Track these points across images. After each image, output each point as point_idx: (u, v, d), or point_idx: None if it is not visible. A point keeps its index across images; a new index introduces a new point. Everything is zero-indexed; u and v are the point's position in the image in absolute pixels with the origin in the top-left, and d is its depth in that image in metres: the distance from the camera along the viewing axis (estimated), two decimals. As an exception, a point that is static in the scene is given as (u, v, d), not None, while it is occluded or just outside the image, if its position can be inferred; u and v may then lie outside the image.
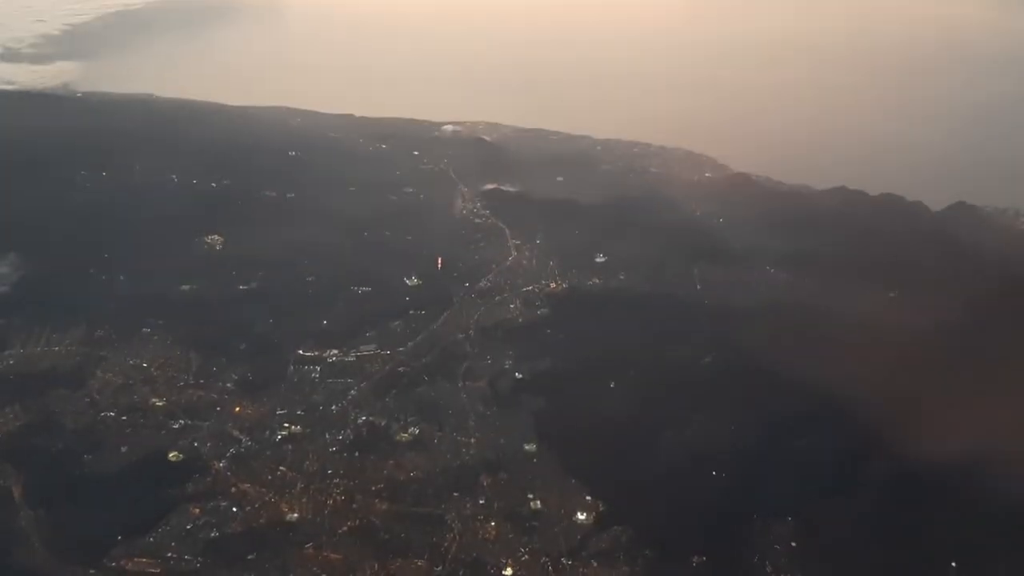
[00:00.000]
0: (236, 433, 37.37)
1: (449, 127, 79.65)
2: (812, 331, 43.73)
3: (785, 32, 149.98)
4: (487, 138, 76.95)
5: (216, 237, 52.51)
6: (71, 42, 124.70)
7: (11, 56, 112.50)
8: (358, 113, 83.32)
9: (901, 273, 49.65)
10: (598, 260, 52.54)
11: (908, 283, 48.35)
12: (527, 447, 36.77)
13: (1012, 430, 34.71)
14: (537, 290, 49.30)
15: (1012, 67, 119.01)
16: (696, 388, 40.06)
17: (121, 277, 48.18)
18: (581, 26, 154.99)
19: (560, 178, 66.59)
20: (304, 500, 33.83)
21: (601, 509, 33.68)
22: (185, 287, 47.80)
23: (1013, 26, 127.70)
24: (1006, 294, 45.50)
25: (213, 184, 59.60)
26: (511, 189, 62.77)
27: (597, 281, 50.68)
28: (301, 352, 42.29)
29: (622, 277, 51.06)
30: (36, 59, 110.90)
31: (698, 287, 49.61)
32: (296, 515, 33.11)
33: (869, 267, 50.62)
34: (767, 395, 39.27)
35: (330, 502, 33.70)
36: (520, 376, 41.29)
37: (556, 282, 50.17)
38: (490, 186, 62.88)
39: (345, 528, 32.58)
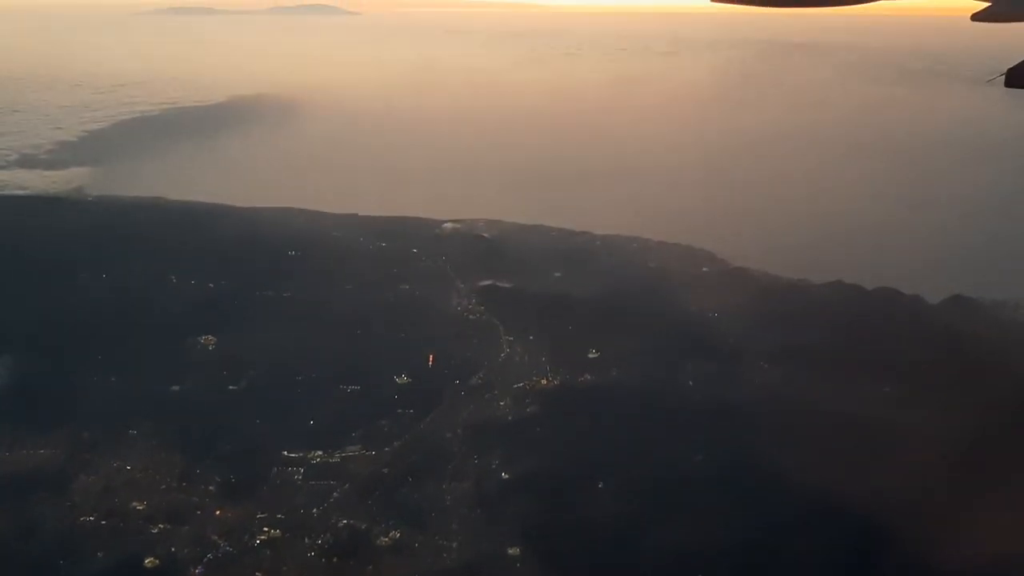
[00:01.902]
0: (215, 538, 36.58)
1: (449, 224, 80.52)
2: (805, 429, 42.85)
3: (787, 124, 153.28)
4: (486, 235, 77.72)
5: (209, 337, 52.69)
6: (87, 148, 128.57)
7: (27, 162, 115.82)
8: (362, 212, 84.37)
9: (896, 369, 48.91)
10: (591, 356, 52.15)
11: (903, 379, 47.63)
12: (511, 551, 35.60)
13: (1016, 537, 33.68)
14: (528, 387, 48.83)
15: (1011, 158, 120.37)
16: (687, 488, 39.01)
17: (112, 378, 48.18)
18: (585, 123, 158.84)
19: (558, 274, 66.90)
20: (280, 608, 32.95)
21: (587, 615, 32.64)
22: (175, 388, 47.69)
23: (1014, 118, 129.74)
24: (1007, 392, 45.00)
25: (211, 284, 60.20)
26: (507, 285, 62.94)
27: (589, 377, 50.17)
28: (285, 453, 41.70)
29: (614, 373, 50.57)
30: (51, 165, 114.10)
31: (690, 383, 48.96)
32: (272, 623, 32.21)
33: (863, 363, 49.83)
34: (760, 495, 38.25)
35: (307, 610, 32.84)
36: (507, 477, 40.35)
37: (547, 379, 49.71)
38: (486, 282, 63.14)
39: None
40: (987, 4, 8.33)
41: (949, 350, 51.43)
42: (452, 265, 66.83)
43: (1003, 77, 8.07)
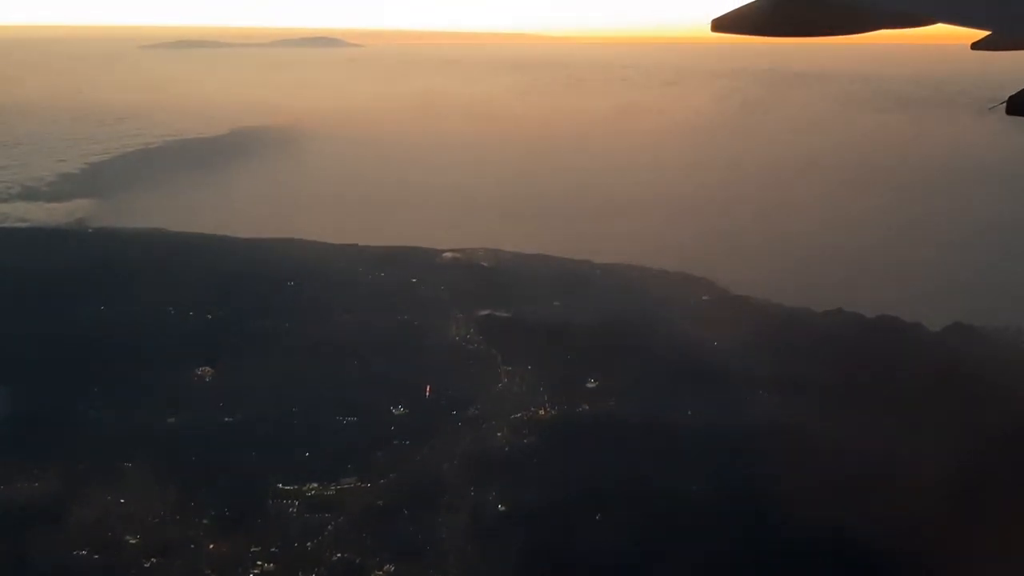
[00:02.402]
0: (208, 571, 36.08)
1: (449, 254, 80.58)
2: (806, 458, 42.37)
3: (788, 152, 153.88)
4: (485, 264, 77.73)
5: (206, 369, 52.49)
6: (89, 180, 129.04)
7: (29, 195, 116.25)
8: (363, 242, 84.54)
9: (897, 398, 48.52)
10: (589, 385, 51.85)
11: (903, 407, 47.22)
12: (508, 584, 35.33)
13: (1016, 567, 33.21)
14: (526, 417, 48.46)
15: (1013, 185, 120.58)
16: (686, 519, 38.64)
17: (108, 410, 47.91)
18: (586, 152, 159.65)
19: (557, 303, 66.76)
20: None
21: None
22: (171, 420, 47.41)
23: (1015, 145, 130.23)
24: (1008, 420, 44.60)
25: (209, 316, 60.12)
26: (505, 315, 62.78)
27: (587, 407, 49.80)
28: (280, 486, 41.28)
29: (613, 403, 50.24)
30: (53, 197, 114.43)
31: (689, 412, 48.58)
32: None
33: (864, 392, 49.51)
34: (760, 525, 37.87)
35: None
36: (503, 509, 39.92)
37: (545, 409, 49.38)
38: (484, 312, 63.01)
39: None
40: (987, 33, 8.28)
41: (950, 378, 50.99)
42: (451, 295, 66.74)
43: (1004, 105, 7.98)
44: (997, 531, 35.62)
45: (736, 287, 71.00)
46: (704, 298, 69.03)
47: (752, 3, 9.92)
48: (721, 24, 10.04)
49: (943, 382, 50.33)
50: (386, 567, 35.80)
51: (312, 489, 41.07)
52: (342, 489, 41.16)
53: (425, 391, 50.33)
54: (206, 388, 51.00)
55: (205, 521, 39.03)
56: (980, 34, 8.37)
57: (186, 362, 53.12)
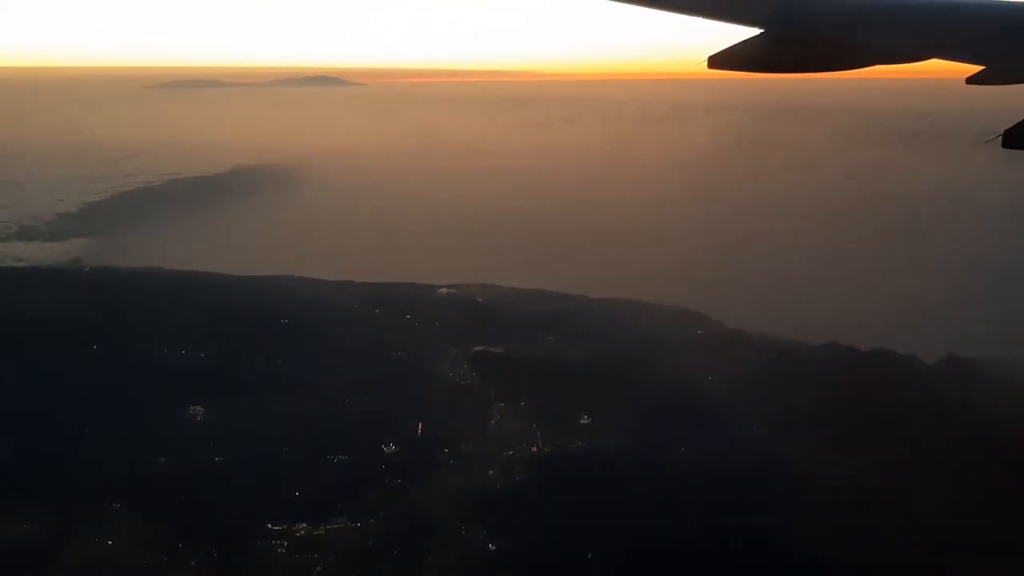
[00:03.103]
0: (196, 615, 35.95)
1: (444, 290, 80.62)
2: (799, 495, 42.14)
3: (783, 186, 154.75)
4: (480, 300, 77.72)
5: (197, 408, 52.20)
6: (87, 219, 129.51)
7: (26, 234, 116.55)
8: (358, 278, 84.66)
9: (891, 433, 48.19)
10: (582, 422, 51.59)
11: (898, 443, 46.87)
12: (497, 625, 34.86)
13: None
14: (518, 455, 48.09)
15: (1008, 217, 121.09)
16: (679, 558, 38.21)
17: (98, 450, 47.61)
18: (582, 187, 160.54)
19: (551, 338, 66.63)
20: None
21: None
22: (161, 459, 47.09)
23: (1010, 178, 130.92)
24: (1004, 455, 44.33)
25: (201, 355, 59.94)
26: (499, 351, 62.64)
27: (580, 444, 49.46)
28: (270, 526, 40.86)
29: (606, 439, 49.84)
30: (50, 236, 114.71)
31: (683, 449, 48.26)
32: None
33: (858, 427, 49.04)
34: (753, 564, 37.47)
35: None
36: (493, 548, 39.46)
37: (537, 446, 49.03)
38: (478, 348, 62.86)
39: None
40: (981, 68, 8.37)
41: (944, 413, 50.78)
42: (445, 331, 66.70)
43: (1000, 138, 8.04)
44: (993, 566, 35.30)
45: (731, 320, 71.00)
46: (699, 332, 68.97)
47: (747, 40, 10.06)
48: (717, 61, 10.16)
49: (938, 417, 50.02)
50: (374, 608, 35.38)
51: (302, 529, 40.70)
52: (332, 529, 40.77)
53: (417, 429, 50.09)
54: (198, 427, 50.74)
55: (193, 563, 38.58)
56: (975, 69, 8.45)
57: (177, 401, 52.87)
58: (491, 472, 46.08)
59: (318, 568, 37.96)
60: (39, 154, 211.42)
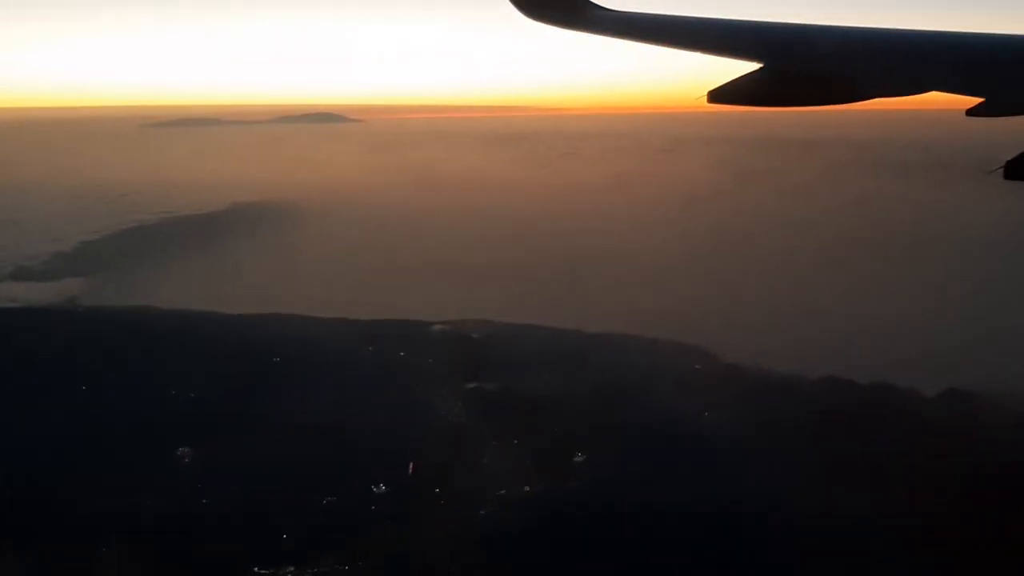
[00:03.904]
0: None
1: (439, 326, 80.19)
2: (798, 532, 41.44)
3: (780, 218, 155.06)
4: (476, 336, 77.22)
5: (186, 449, 51.50)
6: (83, 258, 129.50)
7: (21, 274, 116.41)
8: (353, 316, 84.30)
9: (890, 469, 47.49)
10: (576, 460, 50.91)
11: (897, 479, 46.09)
12: (489, 674, 33.92)
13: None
14: (511, 494, 47.22)
15: (1008, 249, 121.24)
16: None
17: (85, 491, 46.76)
18: (580, 220, 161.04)
19: (546, 374, 65.99)
20: None
21: None
22: (149, 502, 46.33)
23: (1012, 210, 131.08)
24: (1003, 491, 43.79)
25: (192, 394, 59.26)
26: (493, 388, 62.02)
27: (574, 482, 48.63)
28: (257, 569, 40.05)
29: (600, 477, 48.90)
30: (45, 276, 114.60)
31: (676, 488, 47.46)
32: None
33: (857, 463, 48.22)
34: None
35: None
36: (486, 591, 38.88)
37: (531, 485, 48.18)
38: (472, 385, 62.26)
39: None
40: (981, 100, 8.31)
41: (945, 448, 50.14)
42: (439, 368, 66.08)
43: (1002, 169, 7.96)
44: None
45: (728, 355, 70.50)
46: (696, 367, 68.42)
47: (747, 75, 10.19)
48: (717, 96, 10.25)
49: (938, 452, 49.31)
50: (362, 656, 34.46)
51: (289, 573, 40.05)
52: (320, 573, 40.08)
53: (408, 468, 49.36)
54: (187, 468, 50.01)
55: (178, 609, 37.88)
56: (974, 100, 8.40)
57: (166, 441, 52.20)
58: (483, 512, 45.34)
59: (305, 614, 37.07)
60: (38, 193, 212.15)
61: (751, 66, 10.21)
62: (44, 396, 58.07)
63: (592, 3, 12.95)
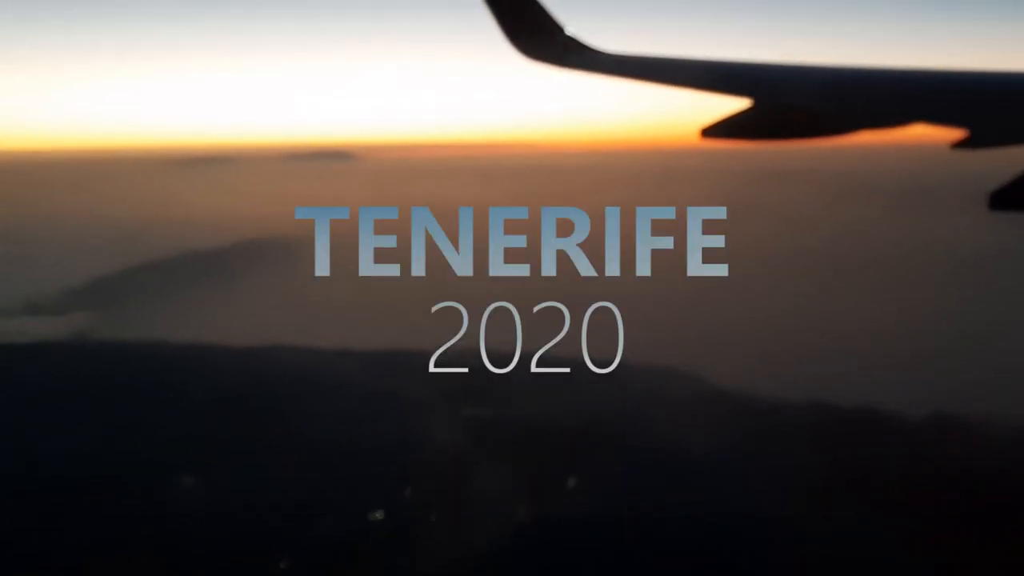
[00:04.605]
0: None
1: (438, 355, 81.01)
2: (788, 560, 42.32)
3: (771, 245, 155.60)
4: (474, 362, 78.10)
5: (188, 480, 52.69)
6: (94, 293, 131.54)
7: (32, 309, 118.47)
8: (356, 346, 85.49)
9: (878, 495, 48.32)
10: (569, 485, 51.96)
11: (886, 506, 46.96)
12: None
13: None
14: (504, 519, 48.25)
15: (991, 275, 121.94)
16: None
17: (84, 526, 47.98)
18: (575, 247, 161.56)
19: (542, 401, 66.87)
20: None
21: None
22: (148, 533, 47.52)
23: (994, 239, 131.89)
24: (993, 517, 44.46)
25: (195, 427, 60.36)
26: (489, 414, 63.10)
27: (567, 508, 49.67)
28: (254, 595, 41.39)
29: (593, 502, 49.99)
30: (55, 311, 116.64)
31: (666, 512, 48.36)
32: None
33: (843, 489, 49.14)
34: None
35: None
36: (479, 614, 39.81)
37: (524, 510, 49.25)
38: (469, 412, 63.37)
39: None
40: (966, 133, 9.08)
41: (931, 472, 50.96)
42: (437, 395, 67.15)
43: (986, 199, 8.70)
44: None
45: (720, 380, 71.54)
46: (687, 393, 69.39)
47: (739, 112, 10.73)
48: (710, 132, 10.85)
49: (924, 476, 50.09)
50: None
51: (285, 600, 40.94)
52: (315, 599, 40.98)
53: (405, 495, 50.44)
54: (184, 500, 51.17)
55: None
56: (959, 133, 8.79)
57: (168, 474, 53.38)
58: (476, 538, 46.29)
59: (300, 637, 38.06)
60: (52, 231, 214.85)
61: (743, 102, 10.76)
62: (45, 430, 59.35)
63: (587, 46, 13.37)
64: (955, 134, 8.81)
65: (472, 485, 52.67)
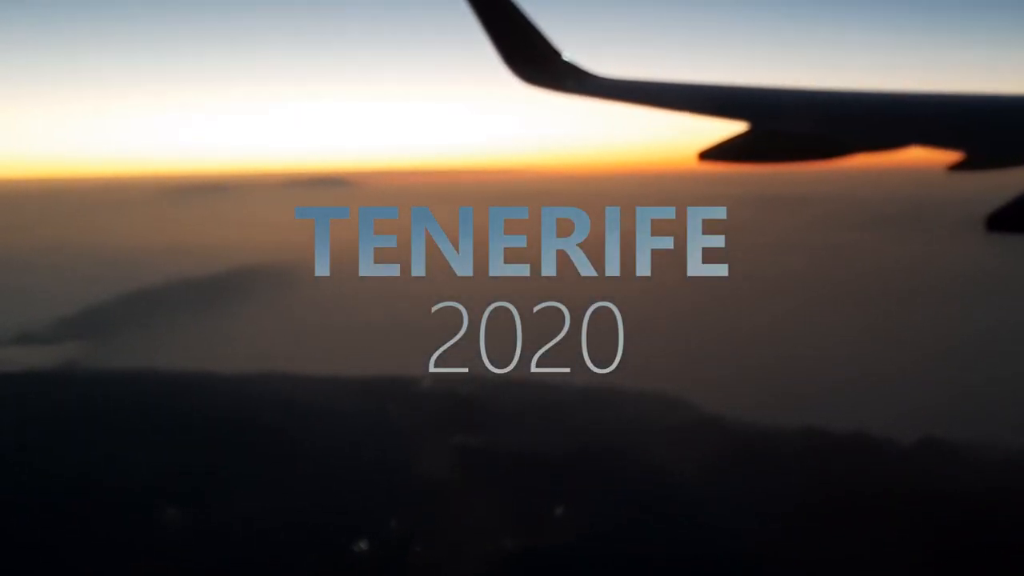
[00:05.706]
0: None
1: (427, 381, 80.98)
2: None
3: (764, 270, 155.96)
4: (463, 390, 77.91)
5: (174, 512, 52.27)
6: (85, 322, 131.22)
7: (24, 339, 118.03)
8: (344, 372, 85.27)
9: (868, 522, 47.97)
10: (557, 513, 51.57)
11: (876, 531, 46.68)
12: None
13: None
14: (491, 548, 47.79)
15: (988, 299, 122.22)
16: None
17: (70, 559, 47.59)
18: (565, 273, 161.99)
19: (530, 428, 66.70)
20: None
21: None
22: (132, 564, 47.11)
23: (991, 261, 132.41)
24: (985, 543, 44.33)
25: (182, 456, 59.99)
26: (477, 442, 62.72)
27: (553, 536, 49.18)
28: (236, 629, 40.90)
29: (580, 531, 49.51)
30: (48, 340, 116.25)
31: (653, 542, 48.01)
32: None
33: (834, 516, 48.83)
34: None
35: None
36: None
37: (511, 539, 48.81)
38: (456, 440, 63.01)
39: None
40: (963, 156, 9.08)
41: (921, 500, 50.67)
42: (425, 423, 66.89)
43: (983, 221, 8.60)
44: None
45: (709, 406, 71.28)
46: (677, 420, 69.16)
47: (736, 136, 10.80)
48: (708, 155, 10.98)
49: (914, 504, 49.78)
50: None
51: (267, 631, 40.48)
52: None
53: (390, 525, 50.06)
54: (171, 531, 50.79)
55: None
56: (956, 156, 8.78)
57: (154, 505, 52.91)
58: (463, 568, 45.89)
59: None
60: (46, 259, 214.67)
61: (740, 126, 10.79)
62: (32, 460, 58.97)
63: (584, 70, 13.40)
64: (951, 157, 8.87)
65: (458, 514, 52.29)
